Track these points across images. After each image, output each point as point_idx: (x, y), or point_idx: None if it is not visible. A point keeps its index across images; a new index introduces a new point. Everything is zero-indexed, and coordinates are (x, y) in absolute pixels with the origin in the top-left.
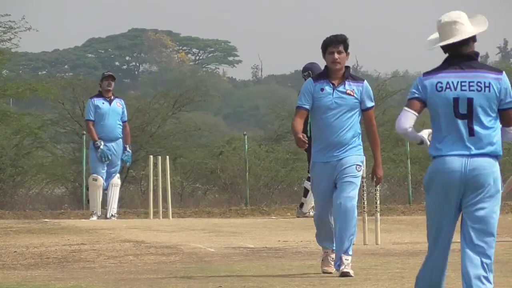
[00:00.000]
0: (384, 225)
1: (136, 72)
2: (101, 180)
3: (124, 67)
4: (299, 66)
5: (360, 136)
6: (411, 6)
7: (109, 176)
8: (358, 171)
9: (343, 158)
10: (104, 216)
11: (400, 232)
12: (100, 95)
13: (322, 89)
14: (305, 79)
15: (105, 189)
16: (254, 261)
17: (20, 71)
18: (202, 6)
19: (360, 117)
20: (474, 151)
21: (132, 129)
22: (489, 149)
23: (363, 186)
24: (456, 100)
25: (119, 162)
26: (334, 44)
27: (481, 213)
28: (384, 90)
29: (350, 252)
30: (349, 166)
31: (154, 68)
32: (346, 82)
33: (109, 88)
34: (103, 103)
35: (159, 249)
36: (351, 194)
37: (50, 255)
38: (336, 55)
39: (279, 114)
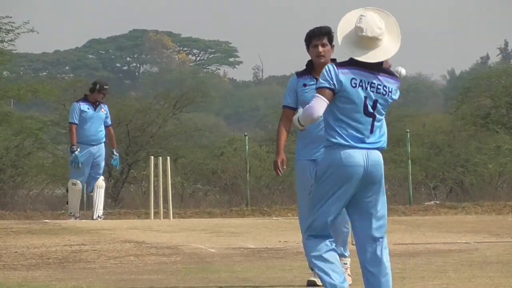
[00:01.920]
0: None
1: (137, 73)
2: (80, 185)
3: (125, 68)
4: (299, 67)
5: None
6: (411, 6)
7: (93, 179)
8: None
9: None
10: (90, 217)
11: (400, 233)
12: (86, 99)
13: (304, 85)
14: None
15: (91, 192)
16: (254, 262)
17: (21, 72)
18: (203, 7)
19: None
20: (372, 146)
21: (132, 129)
22: (381, 144)
23: None
24: (365, 98)
25: (102, 165)
26: (318, 36)
27: (376, 200)
28: None
29: (347, 254)
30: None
31: (155, 69)
32: None
33: (100, 101)
34: (88, 108)
35: (159, 250)
36: None
37: (51, 256)
38: (320, 48)
39: (280, 114)
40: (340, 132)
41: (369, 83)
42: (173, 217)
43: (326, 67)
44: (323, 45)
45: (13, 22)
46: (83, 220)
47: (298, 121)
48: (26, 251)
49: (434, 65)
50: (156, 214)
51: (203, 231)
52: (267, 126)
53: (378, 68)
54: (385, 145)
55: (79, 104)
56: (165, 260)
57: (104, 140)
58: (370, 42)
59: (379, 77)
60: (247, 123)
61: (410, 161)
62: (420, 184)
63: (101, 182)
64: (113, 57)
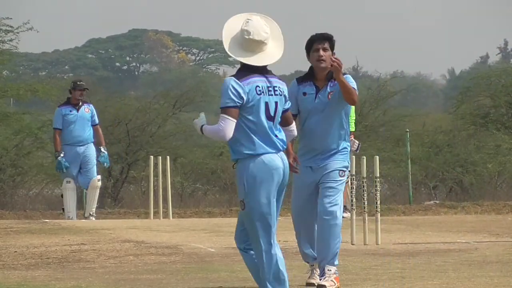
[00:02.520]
0: (384, 225)
1: (137, 73)
2: (73, 183)
3: (125, 67)
4: (299, 67)
5: (348, 136)
6: (411, 5)
7: (86, 179)
8: (341, 176)
9: (326, 163)
10: (82, 216)
11: (400, 232)
12: (68, 102)
13: (304, 93)
14: None
15: (86, 188)
16: None
17: (20, 72)
18: (203, 6)
19: (347, 117)
20: (280, 148)
21: (132, 129)
22: (284, 146)
23: (363, 186)
24: (267, 104)
25: (93, 164)
26: (320, 40)
27: (280, 201)
28: (384, 90)
29: (336, 262)
30: (332, 171)
31: (155, 68)
32: (329, 84)
33: (80, 98)
34: (70, 111)
35: (159, 249)
36: (333, 200)
37: (50, 255)
38: (322, 52)
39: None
40: (254, 141)
41: (267, 88)
42: (173, 217)
43: (227, 83)
44: (324, 50)
45: (11, 23)
46: (82, 220)
47: (201, 130)
48: (25, 250)
49: (434, 64)
50: (156, 213)
51: (202, 230)
52: None
53: (266, 70)
54: (285, 146)
55: (61, 109)
56: (165, 259)
57: (93, 140)
58: (257, 45)
59: (271, 79)
60: None
61: (409, 160)
62: (420, 183)
63: (96, 183)
64: (112, 56)
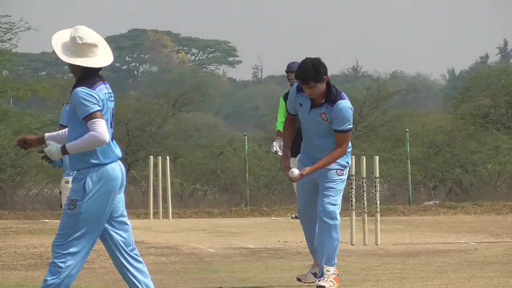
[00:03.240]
0: (384, 226)
1: (136, 73)
2: (71, 183)
3: (124, 67)
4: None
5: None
6: (411, 5)
7: None
8: (339, 175)
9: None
10: None
11: (400, 233)
12: None
13: (300, 104)
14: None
15: None
16: (254, 262)
17: (20, 72)
18: (202, 6)
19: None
20: (120, 156)
21: (132, 129)
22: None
23: (363, 187)
24: (111, 110)
25: None
26: (302, 82)
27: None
28: (384, 90)
29: (334, 262)
30: (330, 170)
31: (154, 68)
32: (324, 105)
33: None
34: None
35: (159, 250)
36: (332, 200)
37: (50, 256)
38: (309, 91)
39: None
40: (102, 150)
41: (109, 94)
42: (173, 217)
43: (81, 94)
44: (311, 87)
45: (13, 23)
46: None
47: (63, 151)
48: (25, 251)
49: (434, 64)
50: (156, 214)
51: (202, 231)
52: (267, 126)
53: (103, 77)
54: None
55: (67, 106)
56: (164, 260)
57: None
58: (89, 49)
59: (107, 85)
60: (247, 122)
61: (409, 161)
62: (420, 184)
63: None
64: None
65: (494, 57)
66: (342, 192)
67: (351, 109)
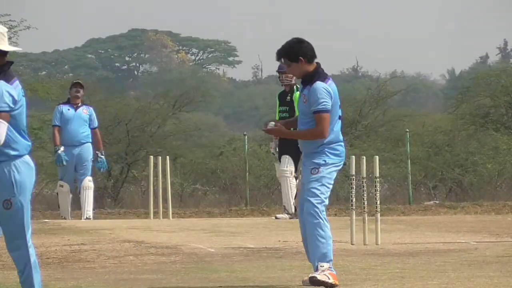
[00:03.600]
0: (384, 225)
1: (136, 73)
2: (67, 186)
3: (124, 67)
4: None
5: (336, 143)
6: (411, 5)
7: (79, 181)
8: (313, 174)
9: (304, 162)
10: (79, 218)
11: (400, 232)
12: (68, 102)
13: (300, 95)
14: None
15: (78, 193)
16: (254, 261)
17: (20, 72)
18: (202, 6)
19: (338, 123)
20: (29, 150)
21: (132, 129)
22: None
23: (363, 186)
24: (25, 105)
25: (88, 165)
26: (276, 57)
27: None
28: (384, 90)
29: (328, 259)
30: (306, 168)
31: (154, 68)
32: (306, 88)
33: (77, 94)
34: (68, 109)
35: (159, 249)
36: (311, 199)
37: (50, 255)
38: (287, 69)
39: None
40: (20, 142)
41: (22, 89)
42: (173, 217)
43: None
44: (288, 66)
45: (14, 21)
46: (82, 220)
47: None
48: None
49: (434, 64)
50: (156, 214)
51: (202, 230)
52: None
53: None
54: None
55: (60, 106)
56: (165, 260)
57: (89, 141)
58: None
59: (18, 81)
60: (247, 122)
61: (409, 160)
62: (420, 183)
63: (87, 183)
64: (112, 56)
65: (494, 57)
66: (325, 188)
67: (326, 90)
